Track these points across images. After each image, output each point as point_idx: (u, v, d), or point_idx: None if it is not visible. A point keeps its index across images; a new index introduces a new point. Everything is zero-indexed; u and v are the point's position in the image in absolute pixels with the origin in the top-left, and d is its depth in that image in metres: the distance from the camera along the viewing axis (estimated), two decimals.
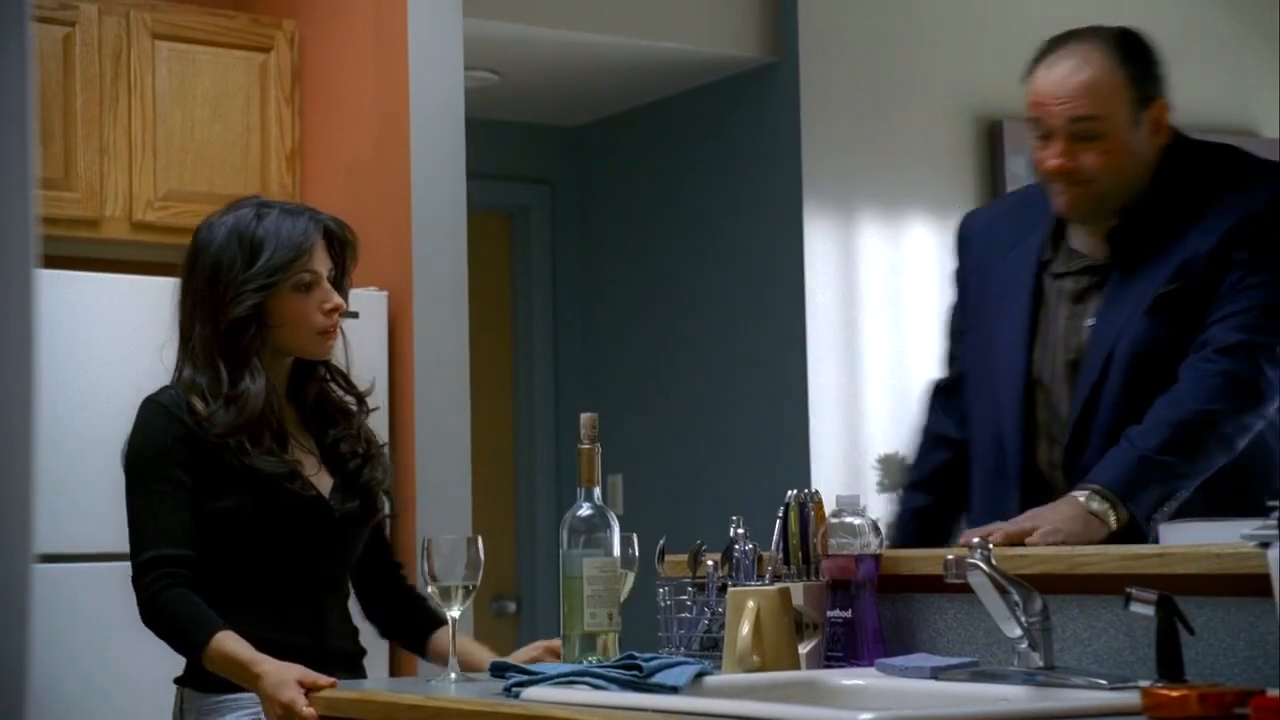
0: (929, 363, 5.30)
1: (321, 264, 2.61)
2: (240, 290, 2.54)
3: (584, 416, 2.56)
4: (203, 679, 2.53)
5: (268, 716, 2.43)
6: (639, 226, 5.67)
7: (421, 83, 4.02)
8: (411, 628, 2.74)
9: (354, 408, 2.70)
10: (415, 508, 3.79)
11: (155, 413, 2.55)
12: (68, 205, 3.96)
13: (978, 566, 2.09)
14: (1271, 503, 1.93)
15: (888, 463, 5.13)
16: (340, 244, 2.64)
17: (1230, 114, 5.61)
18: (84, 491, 3.50)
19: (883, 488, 5.13)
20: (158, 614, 2.50)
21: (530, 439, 5.73)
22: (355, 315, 3.83)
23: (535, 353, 5.80)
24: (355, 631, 2.73)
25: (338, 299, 2.62)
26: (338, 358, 2.69)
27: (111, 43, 4.09)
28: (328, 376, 2.68)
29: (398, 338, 3.92)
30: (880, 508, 5.12)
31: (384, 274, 3.98)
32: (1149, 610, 1.98)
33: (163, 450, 2.51)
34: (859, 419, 5.13)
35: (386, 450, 2.75)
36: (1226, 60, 5.66)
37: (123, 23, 4.10)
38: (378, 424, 3.86)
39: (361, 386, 2.71)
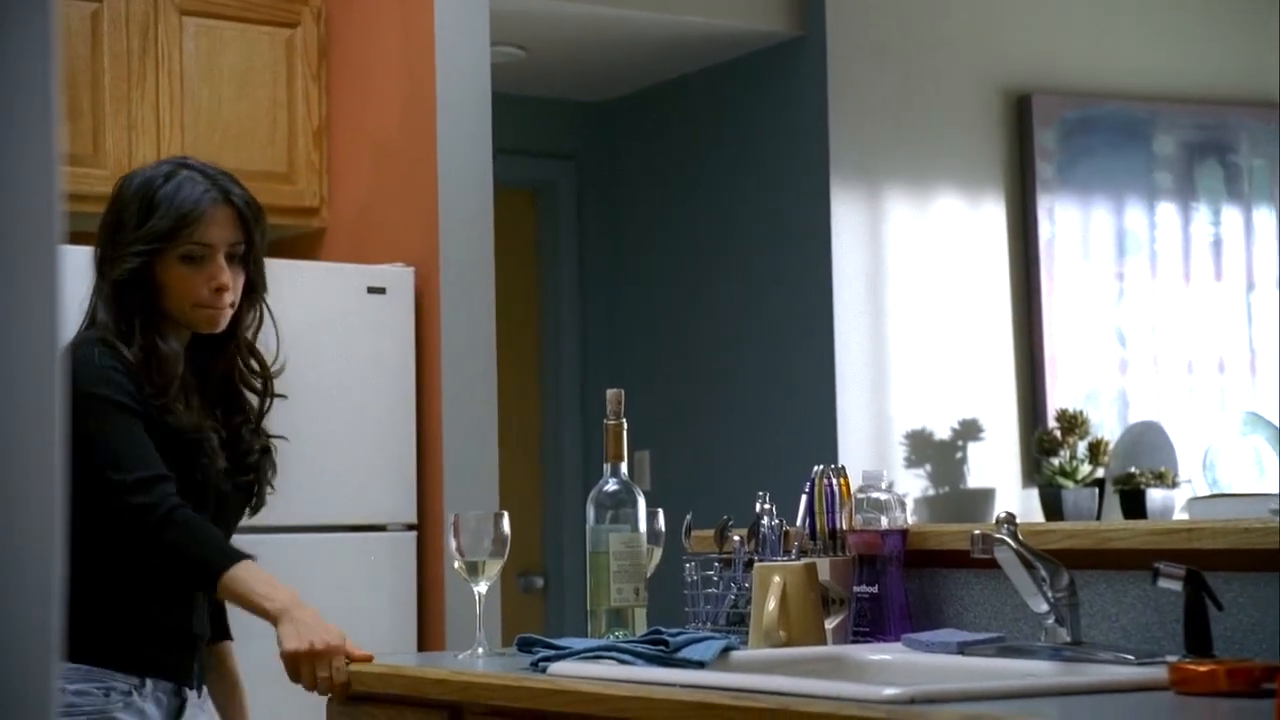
0: (956, 338, 5.31)
1: (218, 237, 2.44)
2: (125, 250, 2.42)
3: (610, 392, 2.56)
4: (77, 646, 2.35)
5: (291, 642, 2.35)
6: (666, 202, 5.66)
7: (448, 58, 4.02)
8: (218, 629, 2.64)
9: (259, 389, 2.56)
10: (442, 483, 3.80)
11: (104, 352, 2.41)
12: (96, 182, 3.96)
13: (1004, 542, 2.08)
14: None
15: (915, 438, 5.12)
16: (247, 220, 2.47)
17: (1253, 84, 5.56)
18: None
19: (909, 463, 5.12)
20: (173, 527, 2.34)
21: (557, 414, 5.74)
22: (383, 291, 3.84)
23: (561, 328, 5.80)
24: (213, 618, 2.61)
25: (224, 278, 2.43)
26: (265, 338, 2.54)
27: (139, 19, 4.09)
28: (237, 351, 2.53)
29: (424, 313, 3.92)
30: (908, 482, 5.15)
31: (410, 250, 3.98)
32: (1177, 586, 1.98)
33: (120, 385, 2.39)
34: (886, 394, 5.12)
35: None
36: (1249, 30, 5.61)
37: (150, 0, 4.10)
38: (403, 401, 3.90)
39: (273, 366, 2.57)
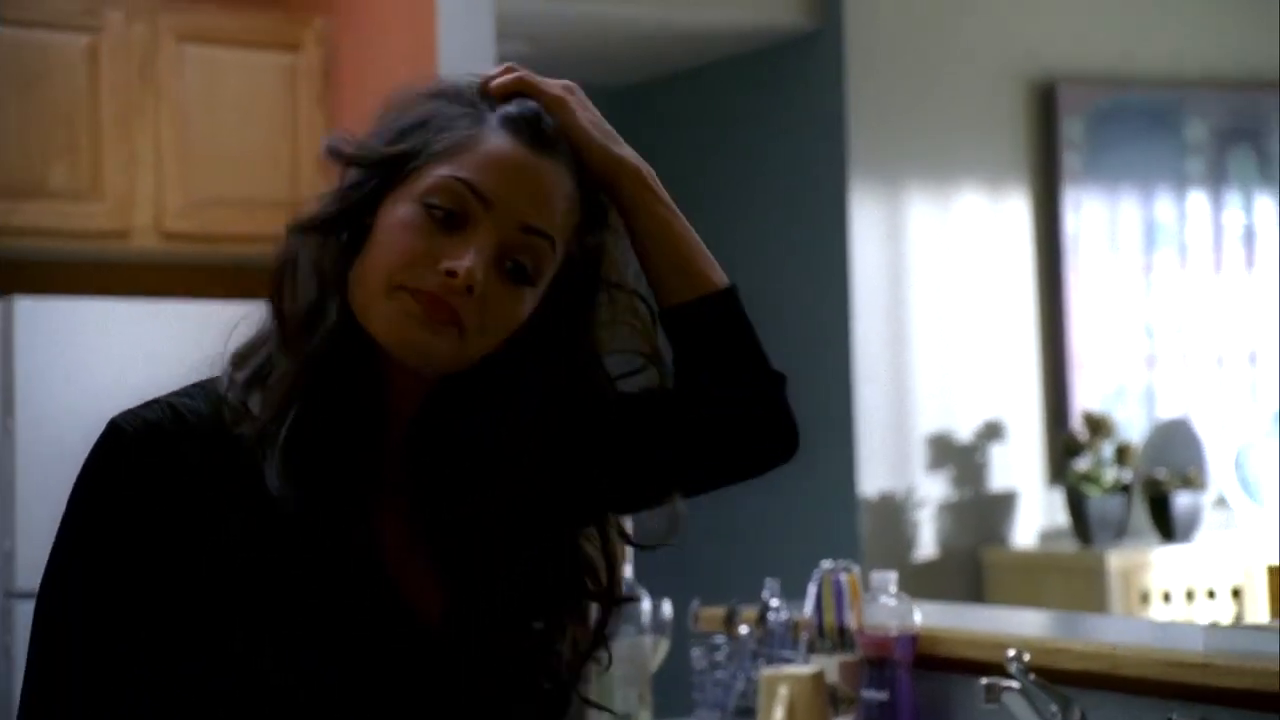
0: (979, 336, 5.21)
1: None
2: None
3: None
4: None
5: None
6: (678, 197, 5.51)
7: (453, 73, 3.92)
8: None
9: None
10: None
11: None
12: (97, 218, 3.91)
13: (1011, 689, 2.02)
14: None
15: (937, 441, 5.05)
16: None
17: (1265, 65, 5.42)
18: None
19: (931, 466, 5.05)
20: None
21: None
22: None
23: None
24: None
25: None
26: None
27: (138, 49, 4.01)
28: None
29: None
30: (929, 487, 5.07)
31: None
32: None
33: None
34: (907, 395, 5.04)
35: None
36: (1263, 11, 5.46)
37: (149, 28, 4.01)
38: None
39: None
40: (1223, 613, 4.84)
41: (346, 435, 1.24)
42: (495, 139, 1.26)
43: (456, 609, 1.26)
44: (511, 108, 1.28)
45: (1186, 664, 2.07)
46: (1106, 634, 2.56)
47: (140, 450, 1.21)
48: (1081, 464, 4.97)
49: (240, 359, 1.29)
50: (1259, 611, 4.89)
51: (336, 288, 1.25)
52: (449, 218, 1.23)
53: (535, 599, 1.27)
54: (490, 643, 1.26)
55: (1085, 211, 5.27)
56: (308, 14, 4.23)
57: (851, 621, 2.48)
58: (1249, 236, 5.50)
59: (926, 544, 4.99)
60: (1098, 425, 4.98)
